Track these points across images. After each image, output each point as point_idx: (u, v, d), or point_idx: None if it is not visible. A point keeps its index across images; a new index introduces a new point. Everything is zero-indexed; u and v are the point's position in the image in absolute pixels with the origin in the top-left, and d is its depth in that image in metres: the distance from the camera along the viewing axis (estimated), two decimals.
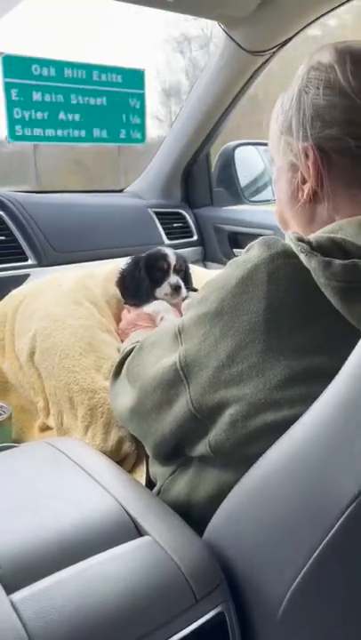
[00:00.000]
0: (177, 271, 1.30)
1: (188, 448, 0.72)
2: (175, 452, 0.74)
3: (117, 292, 1.35)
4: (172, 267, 1.29)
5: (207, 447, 0.66)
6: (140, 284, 1.27)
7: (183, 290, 1.27)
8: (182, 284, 1.27)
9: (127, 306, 1.31)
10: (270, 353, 0.61)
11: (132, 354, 0.84)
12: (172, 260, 1.29)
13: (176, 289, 1.25)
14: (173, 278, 1.27)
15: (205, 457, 0.70)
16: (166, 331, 0.75)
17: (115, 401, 0.88)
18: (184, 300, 1.29)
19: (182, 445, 0.73)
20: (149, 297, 1.27)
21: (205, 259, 2.40)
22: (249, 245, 0.69)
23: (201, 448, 0.68)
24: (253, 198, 2.47)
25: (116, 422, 0.99)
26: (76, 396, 1.03)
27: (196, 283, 1.44)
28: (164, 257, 1.30)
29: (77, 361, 1.07)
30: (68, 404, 1.04)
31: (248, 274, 0.63)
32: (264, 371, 0.61)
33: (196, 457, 0.72)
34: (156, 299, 1.27)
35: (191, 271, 1.42)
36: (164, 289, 1.26)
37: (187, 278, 1.37)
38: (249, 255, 0.65)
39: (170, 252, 1.31)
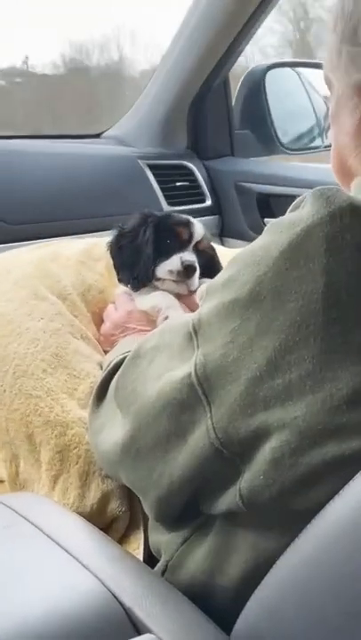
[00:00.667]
0: (198, 250, 1.31)
1: (208, 502, 0.72)
2: (189, 509, 0.75)
3: (97, 280, 1.36)
4: (193, 240, 1.31)
5: (237, 499, 0.67)
6: (139, 250, 1.29)
7: (197, 276, 1.28)
8: (198, 267, 1.28)
9: (116, 299, 1.33)
10: (332, 356, 0.62)
11: (122, 367, 0.84)
12: (198, 233, 1.31)
13: (188, 269, 1.26)
14: (189, 254, 1.28)
15: (234, 515, 0.70)
16: (174, 329, 0.76)
17: (96, 437, 0.88)
18: (192, 292, 1.30)
19: (199, 499, 0.73)
20: (148, 274, 1.28)
21: (223, 233, 2.41)
22: (298, 200, 0.70)
23: (228, 501, 0.68)
24: (294, 145, 2.49)
25: (98, 470, 0.99)
26: (38, 432, 1.03)
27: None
28: (187, 224, 1.32)
29: (40, 381, 1.07)
30: (26, 444, 1.04)
31: (298, 241, 0.64)
32: (323, 383, 0.62)
33: (221, 515, 0.72)
34: (155, 280, 1.29)
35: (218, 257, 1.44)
36: (170, 264, 1.27)
37: (210, 267, 1.38)
38: (299, 215, 0.66)
39: (197, 223, 1.34)
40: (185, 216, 1.35)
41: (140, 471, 0.76)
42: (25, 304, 1.20)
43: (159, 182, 2.18)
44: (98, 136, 2.49)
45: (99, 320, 1.33)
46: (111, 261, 1.37)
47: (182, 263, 1.25)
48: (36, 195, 1.89)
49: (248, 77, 2.42)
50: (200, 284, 1.32)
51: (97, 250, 1.43)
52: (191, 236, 1.30)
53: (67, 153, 2.11)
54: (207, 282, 1.32)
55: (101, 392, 0.92)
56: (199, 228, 1.32)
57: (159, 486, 0.74)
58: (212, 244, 1.44)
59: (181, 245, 1.29)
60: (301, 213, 0.66)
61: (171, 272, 1.26)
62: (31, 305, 1.20)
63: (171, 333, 0.77)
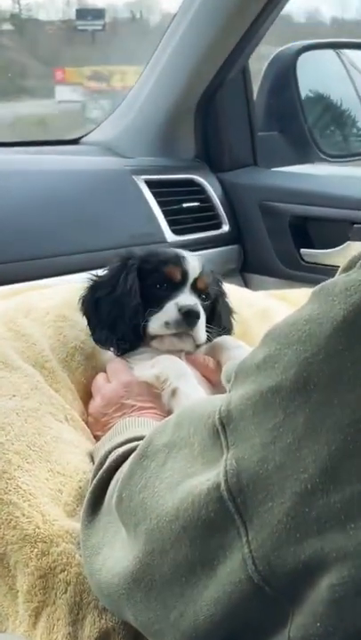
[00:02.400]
0: (198, 291, 1.35)
1: None
2: None
3: (83, 341, 1.39)
4: (189, 279, 1.34)
5: None
6: (121, 303, 1.31)
7: (202, 324, 1.31)
8: (201, 312, 1.31)
9: (108, 366, 1.35)
10: None
11: (125, 469, 0.85)
12: (193, 270, 1.34)
13: (188, 316, 1.29)
14: (186, 297, 1.31)
15: None
16: (194, 420, 0.77)
17: (93, 561, 0.88)
18: (198, 346, 1.33)
19: None
20: (136, 332, 1.30)
21: (245, 267, 2.45)
22: (354, 257, 0.71)
23: None
24: (337, 151, 2.59)
25: (93, 600, 0.99)
26: (12, 550, 1.03)
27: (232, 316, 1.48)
28: (178, 259, 1.35)
29: (13, 481, 1.08)
30: None
31: (357, 313, 0.65)
32: None
33: None
34: (150, 339, 1.31)
35: (228, 297, 1.46)
36: (165, 314, 1.30)
37: (219, 309, 1.40)
38: (356, 278, 0.67)
39: (190, 257, 1.37)
40: (174, 250, 1.39)
41: (154, 610, 0.76)
42: None
43: (161, 204, 2.23)
44: (76, 142, 2.56)
45: (86, 394, 1.35)
46: None
47: (179, 310, 1.28)
48: (2, 225, 1.92)
49: (274, 64, 2.51)
50: (212, 336, 1.35)
51: None
52: (185, 274, 1.33)
53: (37, 170, 2.15)
54: (240, 348, 1.36)
55: (96, 499, 0.92)
56: (194, 261, 1.36)
57: (179, 630, 0.74)
58: (223, 283, 1.48)
59: (175, 288, 1.32)
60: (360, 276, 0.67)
61: (167, 324, 1.29)
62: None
63: (190, 426, 0.77)
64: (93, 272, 1.42)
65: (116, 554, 0.82)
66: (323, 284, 0.70)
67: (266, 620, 0.69)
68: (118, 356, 1.34)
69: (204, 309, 1.33)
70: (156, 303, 1.30)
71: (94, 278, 1.38)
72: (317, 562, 0.63)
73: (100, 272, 1.40)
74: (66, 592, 1.00)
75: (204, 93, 2.34)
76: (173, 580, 0.73)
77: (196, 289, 1.34)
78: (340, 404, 0.64)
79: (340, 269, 0.73)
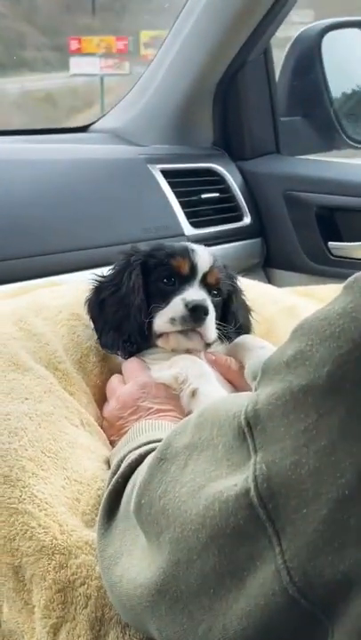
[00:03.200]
0: (209, 286, 1.35)
1: None
2: None
3: (98, 341, 1.39)
4: (198, 273, 1.34)
5: None
6: (126, 300, 1.32)
7: (211, 321, 1.31)
8: (210, 308, 1.31)
9: (123, 367, 1.35)
10: None
11: (143, 472, 0.85)
12: (203, 263, 1.35)
13: (196, 312, 1.29)
14: (194, 292, 1.32)
15: None
16: (217, 420, 0.77)
17: (111, 572, 0.89)
18: (208, 345, 1.33)
19: None
20: (141, 330, 1.31)
21: (269, 262, 2.45)
22: None
23: None
24: None
25: (116, 615, 0.99)
26: (28, 563, 1.04)
27: (254, 314, 1.48)
28: (187, 252, 1.35)
29: (28, 489, 1.08)
30: (11, 580, 1.05)
31: None
32: None
33: None
34: (155, 338, 1.32)
35: (244, 293, 1.47)
36: (170, 310, 1.30)
37: (234, 307, 1.41)
38: None
39: (200, 249, 1.37)
40: (183, 243, 1.39)
41: (181, 624, 0.76)
42: (1, 378, 1.24)
43: (178, 195, 2.23)
44: (85, 129, 2.57)
45: (101, 397, 1.35)
46: None
47: (186, 305, 1.28)
48: (6, 219, 1.93)
49: (297, 44, 2.50)
50: (227, 335, 1.35)
51: None
52: (194, 267, 1.33)
53: (44, 160, 2.15)
54: (243, 341, 1.36)
55: (112, 506, 0.92)
56: (204, 254, 1.36)
57: None
58: (239, 279, 1.48)
59: (183, 283, 1.33)
60: None
61: (173, 321, 1.29)
62: (10, 380, 1.23)
63: (213, 427, 0.76)
64: (98, 271, 1.43)
65: (137, 563, 0.82)
66: (357, 274, 0.71)
67: (304, 637, 0.69)
68: (126, 359, 1.34)
69: (215, 306, 1.33)
70: (162, 299, 1.31)
71: (98, 279, 1.39)
72: (359, 574, 0.63)
73: (105, 271, 1.41)
74: (86, 607, 1.00)
75: (224, 76, 2.35)
76: (201, 592, 0.74)
77: (206, 284, 1.34)
78: None
79: None
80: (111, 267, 1.41)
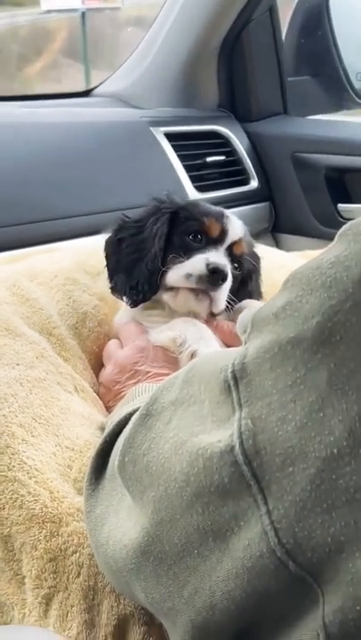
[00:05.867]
0: (233, 256, 1.34)
1: (270, 638, 0.71)
2: None
3: (95, 306, 1.39)
4: (227, 240, 1.33)
5: (320, 635, 0.65)
6: (144, 244, 1.31)
7: (225, 289, 1.29)
8: (229, 275, 1.29)
9: (121, 330, 1.34)
10: None
11: (128, 429, 0.84)
12: (234, 232, 1.34)
13: (215, 274, 1.26)
14: (218, 256, 1.30)
15: None
16: (205, 375, 0.76)
17: (97, 533, 0.88)
18: (214, 315, 1.32)
19: (259, 634, 0.72)
20: (152, 279, 1.29)
21: (277, 227, 2.43)
22: None
23: (305, 638, 0.67)
24: None
25: (110, 585, 0.99)
26: (17, 532, 1.04)
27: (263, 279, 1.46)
28: (221, 216, 1.34)
29: (17, 456, 1.08)
30: (0, 550, 1.05)
31: None
32: None
33: None
34: (164, 290, 1.30)
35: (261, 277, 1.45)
36: (189, 266, 1.28)
37: (251, 287, 1.40)
38: None
39: (234, 219, 1.36)
40: (219, 207, 1.37)
41: (166, 586, 0.76)
42: None
43: (182, 158, 2.21)
44: (87, 94, 2.55)
45: (98, 364, 1.34)
46: None
47: (207, 265, 1.26)
48: (4, 185, 1.91)
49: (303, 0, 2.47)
50: (234, 309, 1.32)
51: (95, 261, 1.45)
52: (224, 233, 1.32)
53: (44, 123, 2.14)
54: (248, 305, 1.34)
55: (99, 465, 0.91)
56: (238, 225, 1.35)
57: (194, 608, 0.73)
58: (258, 249, 1.46)
59: (208, 243, 1.31)
60: None
61: (189, 276, 1.27)
62: (1, 345, 1.22)
63: (200, 382, 0.76)
64: (98, 241, 1.41)
65: (123, 523, 0.81)
66: (351, 222, 0.69)
67: (293, 603, 0.68)
68: (131, 307, 1.33)
69: (233, 278, 1.31)
70: (183, 252, 1.29)
71: (124, 218, 1.37)
72: (350, 537, 0.62)
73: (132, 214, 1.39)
74: (79, 575, 1.00)
75: (228, 35, 2.32)
76: (185, 553, 0.73)
77: (230, 254, 1.32)
78: None
79: None
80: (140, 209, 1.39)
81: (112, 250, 1.34)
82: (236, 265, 1.34)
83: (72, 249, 1.60)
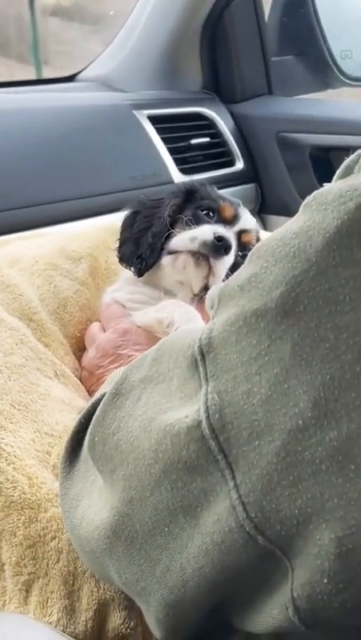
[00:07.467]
0: (241, 245, 1.35)
1: (243, 616, 0.72)
2: (215, 624, 0.74)
3: (76, 291, 1.39)
4: (237, 224, 1.36)
5: (291, 613, 0.65)
6: (157, 214, 1.33)
7: (226, 263, 1.30)
8: (232, 252, 1.31)
9: (103, 313, 1.35)
10: None
11: (98, 409, 0.84)
12: (245, 221, 1.37)
13: (219, 241, 1.28)
14: (226, 231, 1.32)
15: (289, 636, 0.69)
16: (174, 352, 0.76)
17: (71, 515, 0.88)
18: (205, 290, 1.30)
19: (230, 609, 0.73)
20: (155, 246, 1.31)
21: (263, 208, 2.43)
22: (350, 160, 0.70)
23: (276, 614, 0.67)
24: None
25: (89, 569, 0.99)
26: None
27: None
28: (237, 205, 1.38)
29: None
30: None
31: (352, 222, 0.63)
32: None
33: (267, 637, 0.72)
34: (165, 255, 1.32)
35: None
36: (197, 231, 1.30)
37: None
38: (353, 183, 0.66)
39: (248, 213, 1.40)
40: (237, 200, 1.41)
41: (139, 565, 0.76)
42: None
43: (166, 141, 2.20)
44: (71, 79, 2.54)
45: (80, 349, 1.35)
46: (96, 263, 1.40)
47: (214, 234, 1.27)
48: None
49: None
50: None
51: (76, 246, 1.45)
52: (236, 217, 1.35)
53: (26, 108, 2.13)
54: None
55: (74, 447, 0.91)
56: (250, 218, 1.38)
57: (166, 586, 0.73)
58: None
59: (218, 222, 1.34)
60: (357, 181, 0.65)
61: (193, 239, 1.28)
62: None
63: (170, 359, 0.76)
64: (84, 227, 1.47)
65: (95, 504, 0.81)
66: (314, 192, 0.68)
67: (264, 577, 0.67)
68: (137, 276, 1.34)
69: (234, 265, 1.31)
70: (193, 222, 1.32)
71: (143, 197, 1.41)
72: (316, 509, 0.62)
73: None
74: (58, 561, 1.00)
75: (209, 15, 2.31)
76: (156, 531, 0.73)
77: (239, 240, 1.35)
78: (335, 328, 0.62)
79: (335, 176, 0.71)
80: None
81: (126, 224, 1.37)
82: (240, 253, 1.34)
83: (54, 235, 1.58)
